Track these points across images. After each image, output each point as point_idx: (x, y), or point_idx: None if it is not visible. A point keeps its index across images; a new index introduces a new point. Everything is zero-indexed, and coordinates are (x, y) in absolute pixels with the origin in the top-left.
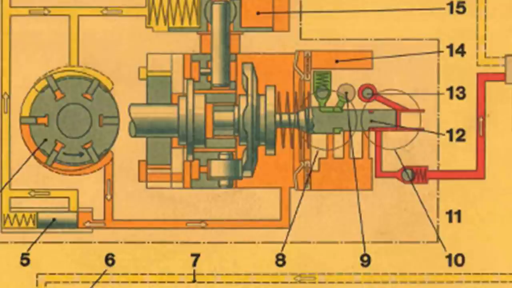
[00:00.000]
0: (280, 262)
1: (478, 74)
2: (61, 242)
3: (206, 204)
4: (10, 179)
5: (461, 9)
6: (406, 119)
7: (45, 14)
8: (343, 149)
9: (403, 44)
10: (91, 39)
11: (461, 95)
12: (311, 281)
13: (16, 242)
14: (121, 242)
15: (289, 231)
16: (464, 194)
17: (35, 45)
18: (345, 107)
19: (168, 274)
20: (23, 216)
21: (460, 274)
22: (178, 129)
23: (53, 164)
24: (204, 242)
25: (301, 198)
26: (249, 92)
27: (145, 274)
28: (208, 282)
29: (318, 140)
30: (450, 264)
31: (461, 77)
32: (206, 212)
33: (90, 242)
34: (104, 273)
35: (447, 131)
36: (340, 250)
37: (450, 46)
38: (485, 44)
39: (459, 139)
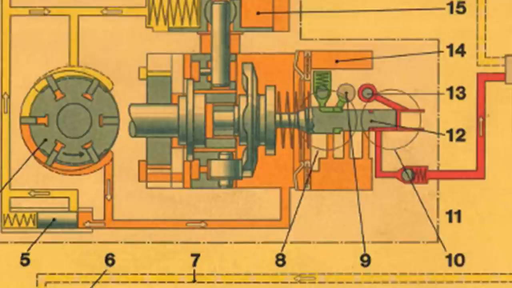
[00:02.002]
0: (280, 262)
1: (478, 74)
2: (61, 242)
3: (206, 204)
4: (10, 179)
5: (461, 9)
6: (406, 119)
7: (45, 14)
8: (343, 149)
9: (403, 44)
10: (91, 39)
11: (461, 95)
12: (311, 281)
13: (16, 242)
14: (121, 242)
15: (289, 231)
16: (464, 194)
17: (35, 45)
18: (345, 107)
19: (168, 274)
20: (23, 216)
21: (460, 274)
22: (178, 129)
23: (53, 164)
24: (204, 242)
25: (301, 198)
26: (249, 92)
27: (145, 274)
28: (208, 282)
29: (318, 140)
30: (450, 264)
31: (461, 77)
32: (206, 212)
33: (90, 242)
34: (104, 273)
35: (447, 131)
36: (340, 250)
37: (450, 46)
38: (485, 44)
39: (459, 139)
